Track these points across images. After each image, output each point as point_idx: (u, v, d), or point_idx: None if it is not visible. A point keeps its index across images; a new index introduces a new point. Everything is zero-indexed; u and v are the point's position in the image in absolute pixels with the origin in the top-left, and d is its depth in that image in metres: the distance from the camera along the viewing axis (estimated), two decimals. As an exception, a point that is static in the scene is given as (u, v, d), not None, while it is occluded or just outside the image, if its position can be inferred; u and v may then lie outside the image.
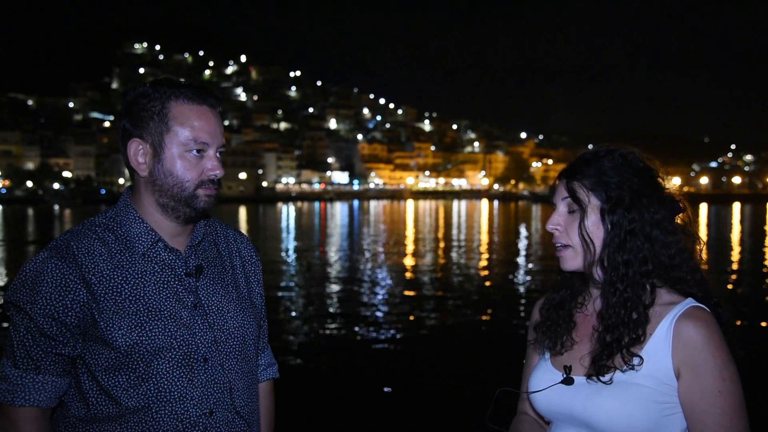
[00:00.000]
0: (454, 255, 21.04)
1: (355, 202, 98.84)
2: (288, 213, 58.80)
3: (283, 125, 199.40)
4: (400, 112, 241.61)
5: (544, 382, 1.45)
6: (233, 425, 1.51)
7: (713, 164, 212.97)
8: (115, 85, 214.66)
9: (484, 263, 18.72)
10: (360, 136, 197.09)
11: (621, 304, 1.36)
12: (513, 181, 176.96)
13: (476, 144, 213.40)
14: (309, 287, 13.99)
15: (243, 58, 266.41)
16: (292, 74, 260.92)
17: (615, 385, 1.33)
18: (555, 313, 1.53)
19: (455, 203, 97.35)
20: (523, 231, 33.10)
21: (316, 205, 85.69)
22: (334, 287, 14.06)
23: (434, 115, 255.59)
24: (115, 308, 1.39)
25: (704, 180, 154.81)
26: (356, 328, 9.65)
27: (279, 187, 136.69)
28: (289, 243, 26.80)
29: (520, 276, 16.20)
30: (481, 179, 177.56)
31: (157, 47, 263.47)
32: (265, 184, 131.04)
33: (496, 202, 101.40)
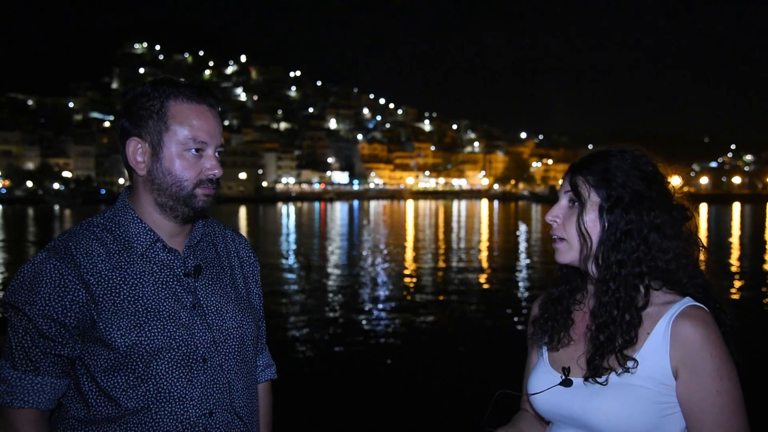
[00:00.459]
0: (454, 255, 21.03)
1: (355, 202, 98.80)
2: (288, 213, 58.78)
3: (283, 125, 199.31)
4: (400, 112, 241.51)
5: (543, 384, 1.45)
6: (232, 426, 1.51)
7: (713, 164, 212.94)
8: (115, 85, 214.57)
9: (484, 263, 18.72)
10: (360, 136, 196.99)
11: (613, 303, 1.36)
12: (513, 181, 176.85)
13: (476, 144, 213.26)
14: (309, 288, 13.98)
15: (243, 58, 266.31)
16: (292, 74, 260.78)
17: (613, 386, 1.33)
18: (553, 308, 1.53)
19: (455, 203, 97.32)
20: (523, 231, 33.09)
21: (316, 205, 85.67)
22: (334, 288, 14.06)
23: (434, 115, 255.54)
24: (113, 309, 1.39)
25: (704, 180, 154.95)
26: (355, 329, 9.64)
27: (279, 187, 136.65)
28: (289, 243, 26.79)
29: (520, 276, 16.20)
30: (481, 179, 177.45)
31: (157, 47, 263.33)
32: (265, 184, 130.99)
33: (496, 202, 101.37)
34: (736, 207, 74.12)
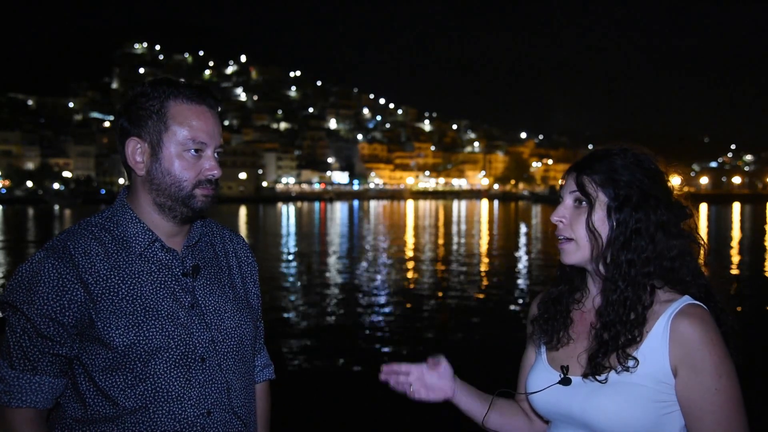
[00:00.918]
0: (453, 255, 21.03)
1: (355, 202, 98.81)
2: (288, 213, 58.78)
3: (283, 125, 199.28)
4: (400, 112, 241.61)
5: (542, 383, 1.46)
6: (230, 425, 1.51)
7: (713, 164, 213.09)
8: (115, 85, 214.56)
9: (483, 263, 18.72)
10: (360, 136, 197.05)
11: (621, 302, 1.36)
12: (513, 181, 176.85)
13: (476, 144, 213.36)
14: (308, 288, 13.98)
15: (243, 58, 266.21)
16: (292, 74, 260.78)
17: (613, 384, 1.34)
18: (552, 307, 1.53)
19: (455, 203, 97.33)
20: (523, 231, 33.08)
21: (316, 205, 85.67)
22: (334, 288, 14.06)
23: (434, 115, 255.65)
24: (112, 308, 1.39)
25: (704, 180, 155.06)
26: (355, 328, 9.64)
27: (279, 187, 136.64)
28: (289, 243, 26.78)
29: (520, 276, 16.20)
30: (481, 179, 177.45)
31: (157, 47, 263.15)
32: (265, 184, 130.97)
33: (496, 202, 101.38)
34: (736, 207, 74.13)
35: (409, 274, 16.22)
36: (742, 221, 43.82)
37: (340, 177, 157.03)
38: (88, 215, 1.52)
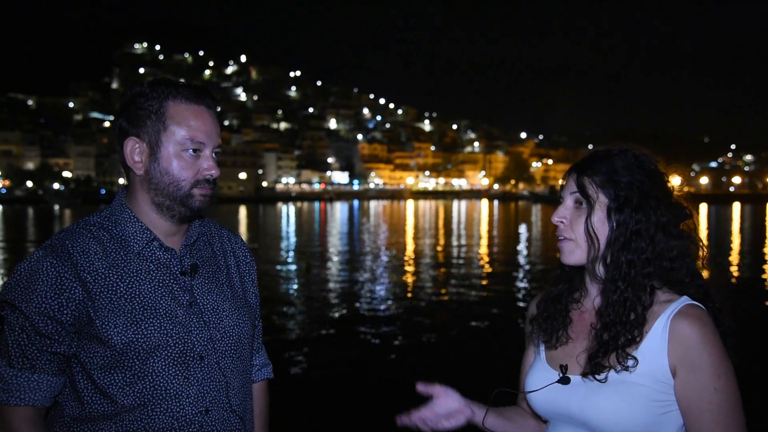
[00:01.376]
0: (453, 255, 21.03)
1: (355, 202, 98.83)
2: (288, 213, 58.78)
3: (283, 125, 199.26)
4: (400, 112, 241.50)
5: (541, 382, 1.46)
6: (229, 423, 1.51)
7: (713, 164, 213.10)
8: (115, 85, 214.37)
9: (483, 263, 18.72)
10: (360, 136, 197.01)
11: (621, 303, 1.36)
12: (513, 181, 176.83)
13: (476, 144, 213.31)
14: (308, 287, 13.99)
15: (243, 58, 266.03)
16: (292, 74, 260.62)
17: (611, 384, 1.34)
18: (552, 306, 1.54)
19: (455, 203, 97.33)
20: (523, 231, 33.08)
21: (316, 205, 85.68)
22: (333, 287, 14.05)
23: (434, 115, 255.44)
24: (110, 306, 1.39)
25: (704, 180, 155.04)
26: (355, 329, 9.64)
27: (279, 187, 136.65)
28: (289, 243, 26.78)
29: (520, 276, 16.20)
30: (481, 179, 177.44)
31: (157, 47, 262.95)
32: (265, 184, 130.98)
33: (496, 202, 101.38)
34: (736, 207, 74.13)
35: (409, 274, 16.22)
36: (742, 221, 43.82)
37: (340, 177, 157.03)
38: (87, 215, 1.53)
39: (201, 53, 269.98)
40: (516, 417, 1.62)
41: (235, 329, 1.57)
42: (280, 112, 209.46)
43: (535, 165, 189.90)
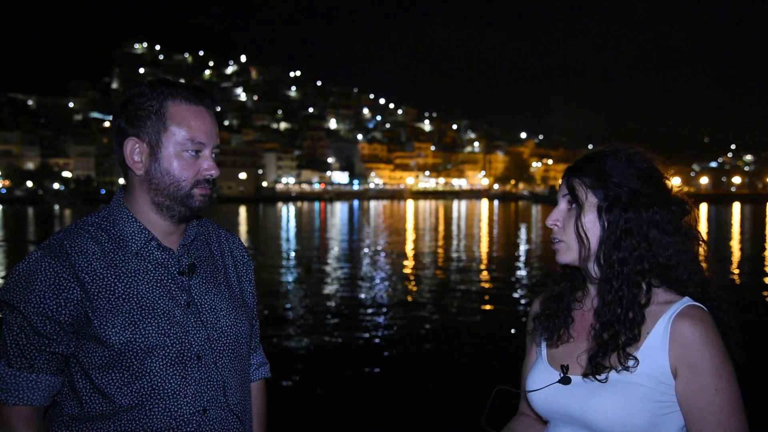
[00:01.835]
0: (453, 255, 21.02)
1: (355, 202, 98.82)
2: (288, 213, 58.78)
3: (283, 125, 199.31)
4: (400, 112, 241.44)
5: (542, 382, 1.46)
6: (226, 423, 1.52)
7: (713, 164, 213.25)
8: (115, 85, 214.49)
9: (483, 263, 18.72)
10: (360, 136, 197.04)
11: (616, 301, 1.37)
12: (513, 181, 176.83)
13: (476, 144, 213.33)
14: (308, 287, 13.98)
15: (243, 58, 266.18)
16: (292, 74, 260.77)
17: (612, 384, 1.34)
18: (554, 304, 1.54)
19: (455, 203, 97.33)
20: (523, 231, 33.09)
21: (316, 205, 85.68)
22: (334, 288, 14.05)
23: (434, 115, 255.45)
24: (108, 306, 1.40)
25: (704, 180, 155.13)
26: (354, 328, 9.64)
27: (279, 187, 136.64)
28: (289, 243, 26.78)
29: (520, 275, 16.19)
30: (481, 179, 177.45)
31: (157, 47, 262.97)
32: (265, 184, 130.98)
33: (496, 202, 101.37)
34: (736, 207, 74.12)
35: (409, 274, 16.21)
36: (742, 221, 43.81)
37: (340, 177, 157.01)
38: (86, 215, 1.54)
39: (201, 53, 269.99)
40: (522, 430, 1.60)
41: (233, 329, 1.58)
42: (280, 112, 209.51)
43: (535, 165, 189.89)
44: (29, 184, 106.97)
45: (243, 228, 36.25)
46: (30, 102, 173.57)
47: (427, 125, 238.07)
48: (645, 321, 1.36)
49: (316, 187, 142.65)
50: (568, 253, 1.44)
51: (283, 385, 6.60)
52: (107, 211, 1.53)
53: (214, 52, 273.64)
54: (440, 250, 22.66)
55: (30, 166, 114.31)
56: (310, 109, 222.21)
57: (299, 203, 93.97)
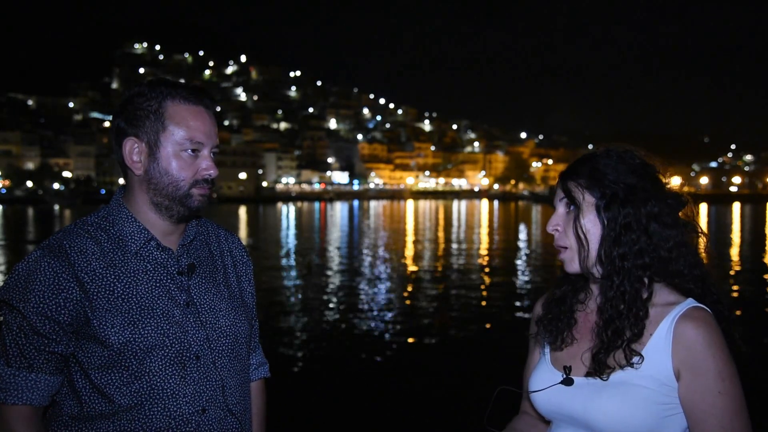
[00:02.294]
0: (454, 255, 21.03)
1: (355, 202, 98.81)
2: (288, 213, 58.77)
3: (283, 125, 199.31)
4: (400, 112, 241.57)
5: (544, 382, 1.46)
6: (225, 423, 1.52)
7: (713, 164, 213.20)
8: (115, 85, 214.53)
9: (484, 263, 18.71)
10: (360, 136, 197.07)
11: (619, 297, 1.36)
12: (513, 181, 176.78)
13: (476, 144, 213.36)
14: (307, 287, 13.98)
15: (243, 58, 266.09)
16: (292, 74, 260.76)
17: (615, 386, 1.34)
18: (557, 307, 1.54)
19: (455, 203, 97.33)
20: (523, 231, 33.09)
21: (316, 205, 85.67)
22: (333, 287, 14.05)
23: (434, 115, 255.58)
24: (108, 306, 1.40)
25: (704, 180, 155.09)
26: (354, 328, 9.64)
27: (279, 187, 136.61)
28: (289, 243, 26.78)
29: (520, 275, 16.19)
30: (481, 179, 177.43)
31: (157, 47, 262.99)
32: (265, 184, 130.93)
33: (496, 202, 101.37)
34: (736, 207, 74.12)
35: (409, 274, 16.21)
36: (742, 221, 43.81)
37: (340, 177, 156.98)
38: (86, 215, 1.53)
39: (201, 53, 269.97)
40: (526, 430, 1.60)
41: (232, 329, 1.58)
42: (280, 112, 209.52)
43: (535, 165, 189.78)
44: (29, 184, 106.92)
45: (243, 228, 36.24)
46: (30, 102, 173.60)
47: (427, 125, 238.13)
48: (649, 317, 1.36)
49: (316, 187, 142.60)
50: (574, 261, 1.43)
51: (282, 385, 6.60)
52: (106, 211, 1.53)
53: (214, 52, 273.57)
54: (440, 250, 22.66)
55: (30, 166, 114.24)
56: (310, 109, 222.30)
57: (299, 203, 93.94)
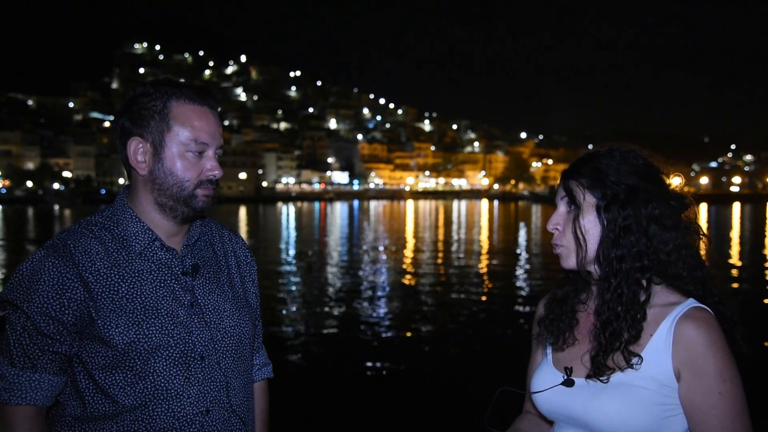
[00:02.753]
0: (454, 255, 21.03)
1: (355, 202, 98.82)
2: (288, 213, 58.78)
3: (283, 125, 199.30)
4: (400, 112, 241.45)
5: (545, 383, 1.46)
6: (229, 423, 1.52)
7: (713, 164, 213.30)
8: (115, 85, 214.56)
9: (484, 263, 18.71)
10: (360, 136, 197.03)
11: (616, 299, 1.36)
12: (513, 181, 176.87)
13: (476, 144, 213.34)
14: (308, 287, 13.99)
15: (243, 58, 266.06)
16: (292, 74, 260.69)
17: (615, 386, 1.33)
18: (558, 308, 1.53)
19: (455, 203, 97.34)
20: (523, 231, 33.09)
21: (316, 205, 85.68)
22: (333, 287, 14.06)
23: (434, 115, 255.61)
24: (112, 306, 1.40)
25: (704, 180, 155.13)
26: (355, 328, 9.64)
27: (279, 187, 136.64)
28: (290, 243, 26.79)
29: (520, 275, 16.19)
30: (481, 179, 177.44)
31: (157, 47, 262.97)
32: (265, 184, 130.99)
33: (496, 202, 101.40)
34: (736, 207, 74.10)
35: (409, 274, 16.22)
36: (742, 221, 43.81)
37: (340, 177, 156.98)
38: (87, 215, 1.53)
39: (201, 53, 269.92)
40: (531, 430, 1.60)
41: (236, 329, 1.58)
42: (280, 112, 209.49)
43: (535, 165, 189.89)
44: (29, 184, 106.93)
45: (243, 228, 36.24)
46: (30, 102, 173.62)
47: (427, 125, 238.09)
48: (647, 320, 1.35)
49: (316, 187, 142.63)
50: (569, 258, 1.43)
51: (285, 385, 6.60)
52: (111, 211, 1.52)
53: (214, 52, 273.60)
54: (440, 250, 22.66)
55: (30, 166, 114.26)
56: (310, 109, 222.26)
57: (299, 203, 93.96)
